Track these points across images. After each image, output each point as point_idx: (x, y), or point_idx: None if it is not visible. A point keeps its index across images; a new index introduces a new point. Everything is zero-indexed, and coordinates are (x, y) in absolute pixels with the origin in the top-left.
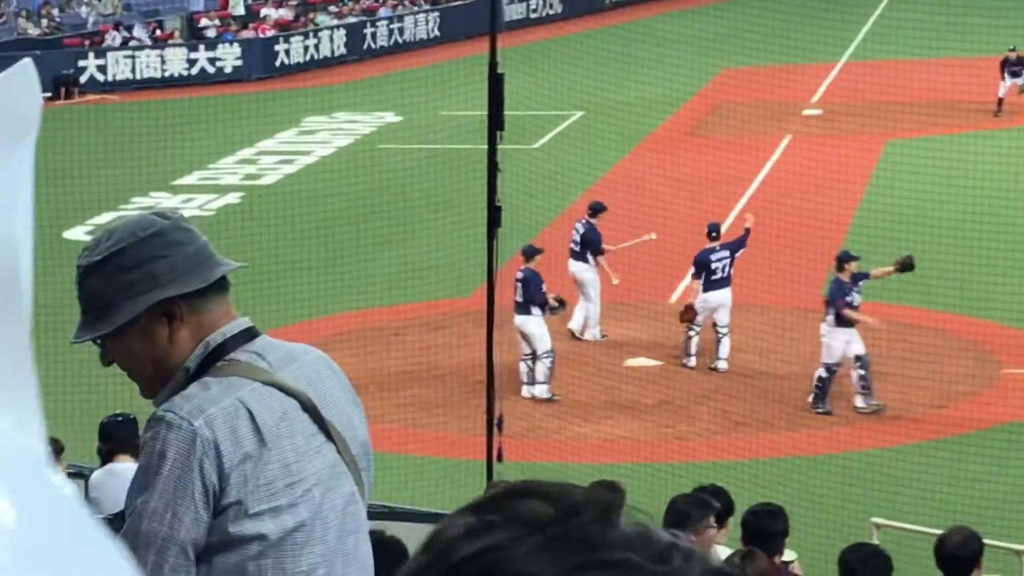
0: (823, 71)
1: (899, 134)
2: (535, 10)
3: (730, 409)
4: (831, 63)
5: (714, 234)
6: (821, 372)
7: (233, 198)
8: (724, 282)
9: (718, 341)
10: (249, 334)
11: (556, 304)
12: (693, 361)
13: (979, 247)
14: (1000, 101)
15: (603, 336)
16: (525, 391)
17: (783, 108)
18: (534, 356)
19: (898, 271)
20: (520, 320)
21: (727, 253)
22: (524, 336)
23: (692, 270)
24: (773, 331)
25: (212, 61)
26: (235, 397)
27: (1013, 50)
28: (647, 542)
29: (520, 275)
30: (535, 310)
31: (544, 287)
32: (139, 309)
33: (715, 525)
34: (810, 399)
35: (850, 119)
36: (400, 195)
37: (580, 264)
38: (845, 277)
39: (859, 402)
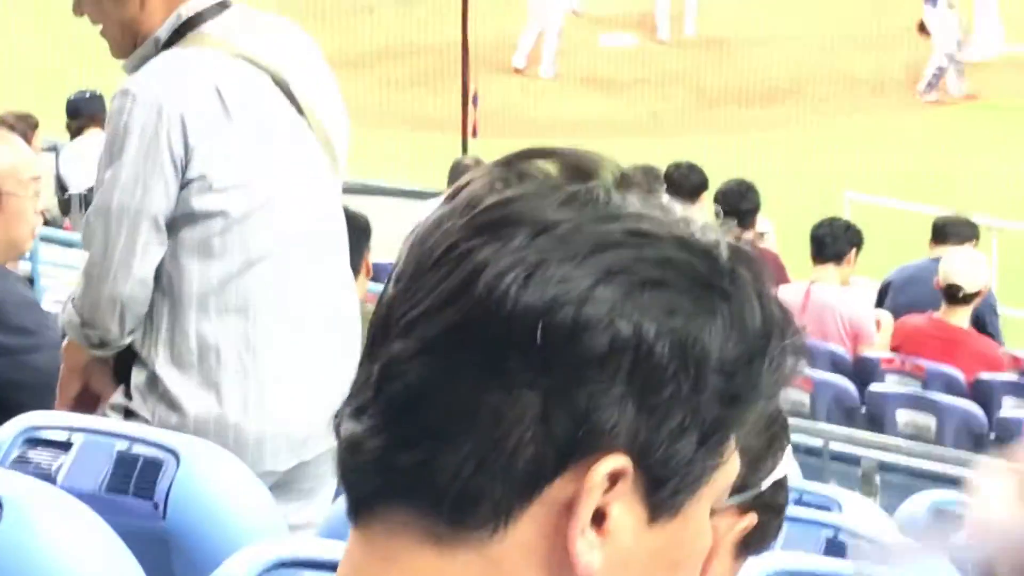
0: None
1: None
2: None
3: (706, 87)
4: None
5: None
6: (941, 61)
7: None
8: None
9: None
10: (224, 5)
11: None
12: (665, 34)
13: None
14: None
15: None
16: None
17: None
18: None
19: None
20: None
21: None
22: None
23: None
24: (747, 8)
25: None
26: (203, 70)
27: None
28: (665, 207)
29: None
30: None
31: None
32: None
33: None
34: (922, 84)
35: None
36: None
37: None
38: None
39: (920, 84)
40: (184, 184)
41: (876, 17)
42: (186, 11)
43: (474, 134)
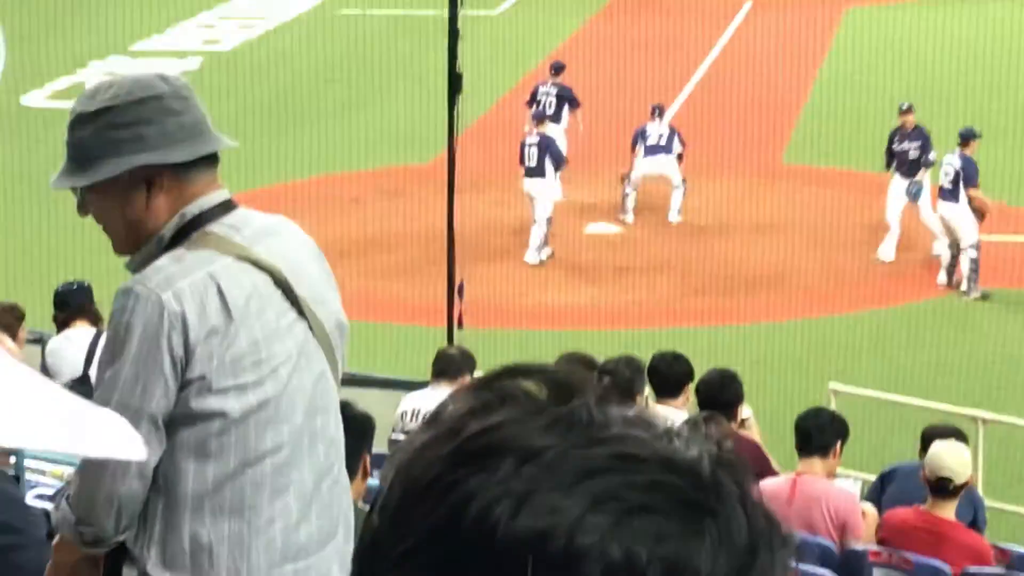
0: None
1: (859, 1)
2: None
3: (689, 275)
4: None
5: (657, 112)
6: (972, 253)
7: (192, 63)
8: (662, 149)
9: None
10: (227, 206)
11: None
12: (630, 217)
13: (934, 118)
14: None
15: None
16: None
17: None
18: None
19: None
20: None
21: (667, 129)
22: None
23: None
24: (731, 199)
25: None
26: (205, 271)
27: None
28: (647, 423)
29: (536, 139)
30: (549, 172)
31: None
32: (121, 169)
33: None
34: (965, 285)
35: None
36: (360, 61)
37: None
38: (970, 154)
39: (963, 286)
40: (183, 385)
41: (861, 208)
42: (190, 211)
43: (459, 324)
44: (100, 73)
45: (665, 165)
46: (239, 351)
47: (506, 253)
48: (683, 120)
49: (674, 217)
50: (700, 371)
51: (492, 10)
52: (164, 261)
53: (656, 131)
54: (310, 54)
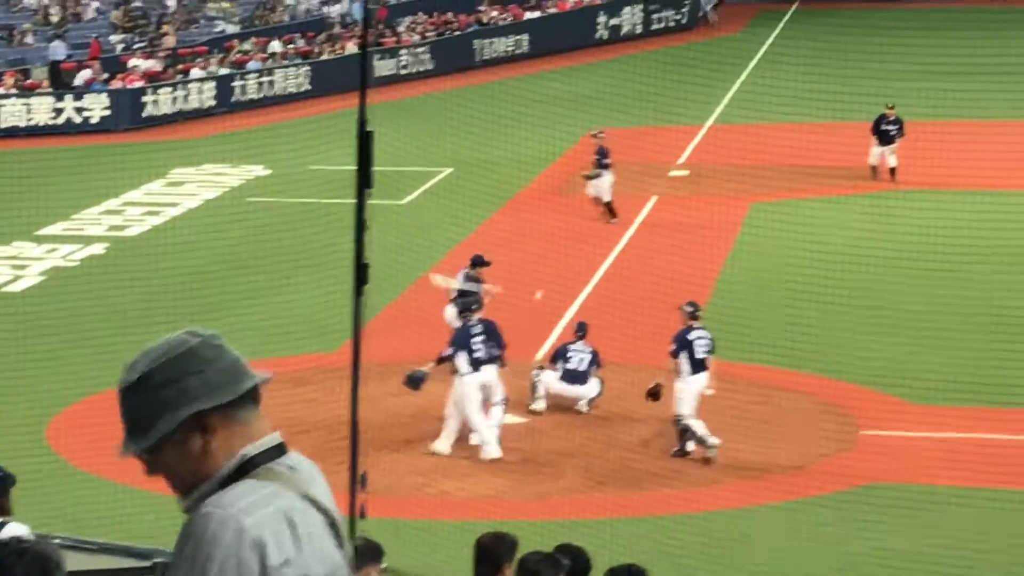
0: (690, 133)
1: (763, 196)
2: (405, 66)
3: (593, 467)
4: (697, 125)
5: (580, 332)
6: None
7: (98, 248)
8: (580, 377)
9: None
10: (280, 449)
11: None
12: (541, 404)
13: (839, 310)
14: (874, 169)
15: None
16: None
17: (650, 168)
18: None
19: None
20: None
21: (589, 352)
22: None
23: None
24: (637, 390)
25: (79, 111)
26: (278, 504)
27: (891, 107)
28: None
29: (480, 327)
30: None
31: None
32: (175, 423)
33: None
34: (677, 449)
35: (715, 181)
36: (267, 249)
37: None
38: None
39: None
40: None
41: (759, 401)
42: (250, 451)
43: (362, 515)
44: (3, 257)
45: (579, 393)
46: None
47: (410, 443)
48: (590, 311)
49: (583, 407)
50: (603, 566)
51: (399, 200)
52: (239, 490)
53: (578, 355)
54: (217, 240)
